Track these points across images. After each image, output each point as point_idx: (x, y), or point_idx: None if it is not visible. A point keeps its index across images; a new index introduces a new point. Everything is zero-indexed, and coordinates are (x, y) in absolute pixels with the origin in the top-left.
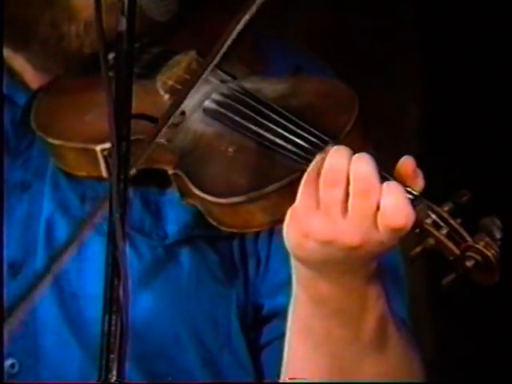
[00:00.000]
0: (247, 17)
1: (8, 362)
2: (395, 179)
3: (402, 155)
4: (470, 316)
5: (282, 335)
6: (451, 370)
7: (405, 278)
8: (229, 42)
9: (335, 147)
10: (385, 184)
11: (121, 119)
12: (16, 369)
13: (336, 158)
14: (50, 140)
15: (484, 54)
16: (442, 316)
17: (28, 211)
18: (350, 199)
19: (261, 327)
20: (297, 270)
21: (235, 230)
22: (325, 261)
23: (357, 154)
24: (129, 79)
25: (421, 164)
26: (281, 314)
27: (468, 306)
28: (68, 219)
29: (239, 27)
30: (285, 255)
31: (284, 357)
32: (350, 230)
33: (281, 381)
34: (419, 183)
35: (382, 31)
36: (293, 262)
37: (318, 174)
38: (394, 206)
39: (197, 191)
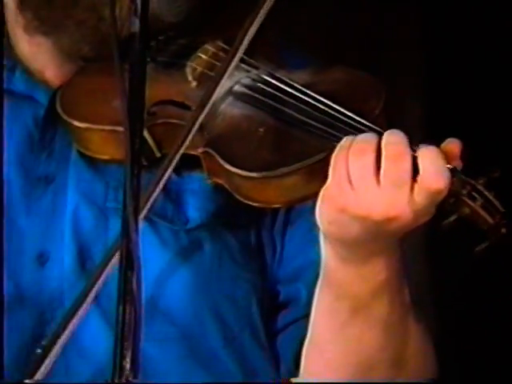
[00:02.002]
0: (268, 4)
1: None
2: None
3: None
4: (471, 305)
5: (297, 320)
6: (451, 360)
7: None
8: (253, 28)
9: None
10: (423, 148)
11: (135, 112)
12: None
13: (363, 135)
14: (76, 123)
15: (486, 52)
16: (443, 304)
17: (53, 203)
18: (383, 165)
19: (277, 313)
20: (328, 251)
21: (262, 205)
22: (358, 238)
23: (387, 131)
24: (142, 77)
25: None
26: (296, 300)
27: (469, 294)
28: (93, 209)
29: (262, 13)
30: (300, 243)
31: (307, 339)
32: (385, 201)
33: (302, 363)
34: (459, 161)
35: (383, 31)
36: (323, 246)
37: (347, 153)
38: (435, 168)
39: (228, 166)
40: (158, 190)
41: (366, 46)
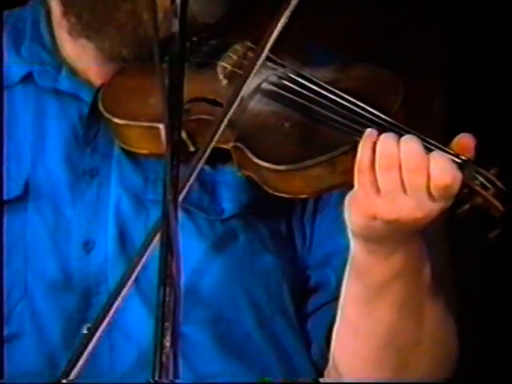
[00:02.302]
0: (292, 5)
1: (84, 326)
2: (451, 149)
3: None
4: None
5: (327, 304)
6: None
7: (436, 244)
8: (277, 31)
9: (383, 135)
10: (430, 155)
11: (173, 110)
12: None
13: (386, 144)
14: (116, 120)
15: (502, 50)
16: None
17: (98, 194)
18: (405, 177)
19: (308, 296)
20: (356, 247)
21: (290, 196)
22: (389, 236)
23: (403, 137)
24: (181, 75)
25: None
26: (326, 284)
27: (488, 277)
28: (134, 201)
29: (286, 14)
30: (328, 231)
31: (337, 323)
32: (412, 206)
33: (332, 345)
34: (472, 153)
35: (405, 29)
36: (352, 241)
37: (371, 161)
38: (440, 167)
39: (257, 160)
40: (191, 180)
41: (387, 44)
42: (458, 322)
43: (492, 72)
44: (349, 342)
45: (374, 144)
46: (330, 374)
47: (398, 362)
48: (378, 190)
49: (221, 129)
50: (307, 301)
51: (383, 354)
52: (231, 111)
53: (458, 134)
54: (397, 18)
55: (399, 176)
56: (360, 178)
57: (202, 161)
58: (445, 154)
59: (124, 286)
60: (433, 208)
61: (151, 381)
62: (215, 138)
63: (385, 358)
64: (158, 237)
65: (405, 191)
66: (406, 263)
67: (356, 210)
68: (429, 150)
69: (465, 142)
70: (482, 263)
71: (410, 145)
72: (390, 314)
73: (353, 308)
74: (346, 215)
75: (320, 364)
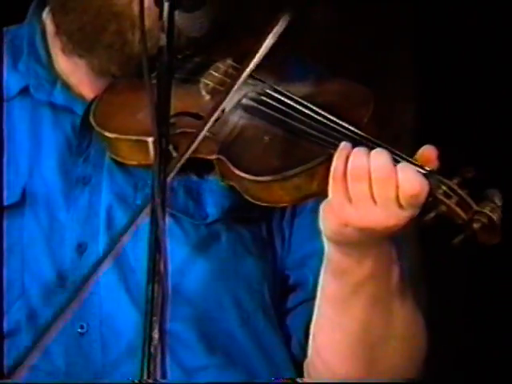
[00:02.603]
0: (276, 31)
1: (78, 324)
2: (416, 160)
3: (401, 150)
4: (458, 285)
5: (304, 302)
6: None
7: (404, 248)
8: (261, 53)
9: (355, 149)
10: (397, 167)
11: (161, 119)
12: (85, 329)
13: (357, 157)
14: (107, 134)
15: (475, 54)
16: (434, 285)
17: (90, 201)
18: (374, 188)
19: (287, 295)
20: (331, 251)
21: (270, 204)
22: (361, 241)
23: (373, 151)
24: (168, 86)
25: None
26: (304, 284)
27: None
28: (124, 207)
29: (269, 40)
30: (305, 234)
31: (313, 319)
32: (382, 215)
33: (310, 340)
34: (435, 164)
35: (378, 42)
36: (327, 245)
37: (343, 172)
38: (408, 178)
39: (237, 172)
40: (171, 176)
41: (365, 57)
42: (428, 321)
43: (461, 85)
44: (325, 337)
45: (348, 156)
46: (308, 367)
47: (370, 356)
48: (350, 199)
49: (199, 138)
50: (286, 299)
51: (356, 348)
52: (210, 123)
53: (426, 143)
54: (373, 34)
55: (369, 187)
56: (334, 187)
57: (180, 164)
58: (410, 165)
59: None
60: (402, 216)
61: (142, 381)
62: (192, 147)
63: (358, 353)
64: (140, 218)
65: (374, 201)
66: (378, 266)
67: (329, 217)
68: (397, 162)
69: (428, 153)
70: (452, 265)
71: (379, 158)
72: (362, 312)
73: (329, 306)
74: (321, 221)
75: (299, 357)
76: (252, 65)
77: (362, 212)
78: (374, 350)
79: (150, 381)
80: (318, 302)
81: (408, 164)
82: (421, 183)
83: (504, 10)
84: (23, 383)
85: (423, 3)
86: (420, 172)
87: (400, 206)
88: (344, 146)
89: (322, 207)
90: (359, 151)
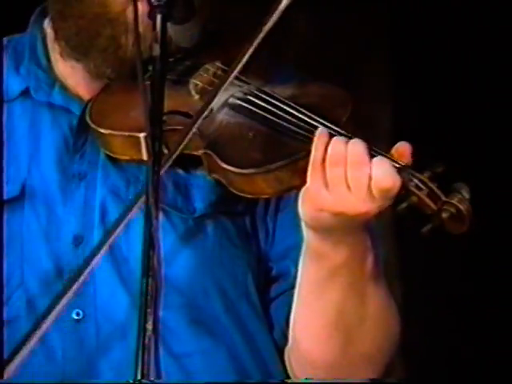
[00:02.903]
0: (261, 36)
1: (74, 312)
2: (392, 155)
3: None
4: (429, 274)
5: (286, 291)
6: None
7: (379, 240)
8: (248, 55)
9: (335, 137)
10: (373, 160)
11: (154, 119)
12: (80, 316)
13: (336, 144)
14: (102, 130)
15: (446, 59)
16: (406, 271)
17: (85, 195)
18: (348, 173)
19: (270, 285)
20: (309, 235)
21: (253, 196)
22: (335, 227)
23: (351, 140)
24: (161, 92)
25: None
26: (286, 274)
27: (427, 265)
28: (117, 201)
29: (255, 43)
30: (288, 227)
31: (293, 306)
32: (354, 201)
33: (291, 324)
34: (408, 159)
35: (357, 48)
36: (305, 230)
37: (322, 159)
38: (382, 171)
39: (224, 165)
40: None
41: (342, 64)
42: (401, 307)
43: (433, 88)
44: (303, 321)
45: (327, 145)
46: (288, 353)
47: (345, 338)
48: (326, 185)
49: (189, 135)
50: (270, 288)
51: (333, 330)
52: (199, 121)
53: (403, 140)
54: (352, 40)
55: (344, 172)
56: (312, 172)
57: (170, 161)
58: (385, 159)
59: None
60: (373, 205)
61: (137, 381)
62: (183, 144)
63: (334, 334)
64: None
65: (349, 187)
66: (353, 253)
67: (307, 202)
68: (373, 157)
69: (402, 149)
70: (424, 253)
71: (356, 145)
72: (338, 296)
73: (307, 290)
74: (299, 207)
75: (281, 342)
76: (237, 69)
77: (337, 197)
78: (349, 332)
79: (146, 381)
80: (296, 288)
81: (383, 158)
82: (393, 178)
83: (475, 14)
84: (22, 383)
85: (398, 12)
86: (394, 166)
87: (371, 196)
88: (322, 132)
89: (301, 194)
90: (338, 139)
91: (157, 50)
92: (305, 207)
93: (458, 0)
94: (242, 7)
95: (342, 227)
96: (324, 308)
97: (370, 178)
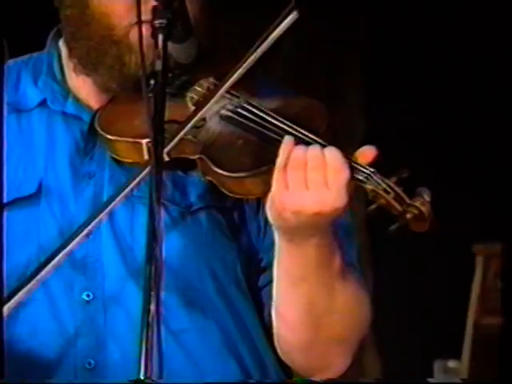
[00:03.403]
0: (251, 59)
1: (84, 293)
2: (356, 158)
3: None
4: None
5: (271, 282)
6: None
7: (356, 236)
8: (238, 73)
9: (297, 146)
10: (324, 149)
11: (156, 127)
12: (90, 297)
13: (297, 151)
14: (109, 136)
15: (412, 75)
16: (379, 262)
17: (94, 192)
18: (308, 175)
19: (260, 274)
20: (278, 235)
21: (242, 196)
22: (297, 227)
23: (310, 146)
24: (162, 101)
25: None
26: (272, 265)
27: (396, 256)
28: (123, 199)
29: (246, 66)
30: None
31: (273, 296)
32: (312, 199)
33: (273, 309)
34: (372, 160)
35: (335, 67)
36: (274, 230)
37: (285, 163)
38: (334, 156)
39: (216, 169)
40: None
41: (322, 78)
42: (373, 295)
43: (401, 102)
44: (281, 310)
45: (291, 151)
46: (274, 334)
47: (316, 325)
48: (287, 187)
49: (176, 139)
50: (259, 277)
51: (306, 318)
52: (189, 126)
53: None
54: (330, 60)
55: (304, 175)
56: (276, 176)
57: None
58: (339, 157)
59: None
60: (328, 204)
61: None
62: (175, 140)
63: (307, 322)
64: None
65: (307, 188)
66: (319, 253)
67: (271, 204)
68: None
69: (366, 151)
70: (394, 249)
71: (314, 150)
72: (309, 291)
73: (282, 285)
74: (267, 210)
75: (270, 324)
76: (226, 85)
77: (296, 197)
78: (320, 320)
79: (149, 381)
80: (274, 282)
81: (334, 148)
82: (345, 171)
83: (445, 28)
84: (24, 383)
85: (372, 32)
86: (365, 172)
87: (327, 187)
88: (287, 141)
89: (268, 198)
90: (299, 147)
91: (159, 66)
92: (270, 209)
93: (428, 18)
94: (233, 27)
95: (303, 227)
96: (297, 301)
97: (325, 169)
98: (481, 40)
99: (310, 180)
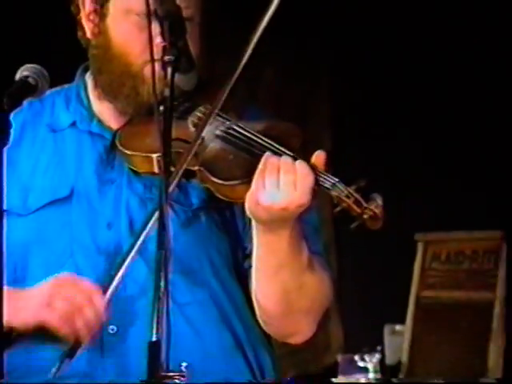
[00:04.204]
0: (228, 88)
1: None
2: (314, 163)
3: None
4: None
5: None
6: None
7: (321, 229)
8: (221, 100)
9: (273, 156)
10: (295, 162)
11: (165, 144)
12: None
13: (273, 158)
14: (126, 151)
15: (376, 96)
16: (341, 252)
17: (115, 195)
18: (280, 178)
19: (245, 259)
20: (255, 227)
21: (233, 200)
22: (269, 219)
23: (282, 157)
24: (170, 122)
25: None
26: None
27: (356, 245)
28: (137, 199)
29: (225, 94)
30: None
31: (253, 275)
32: (281, 198)
33: (253, 288)
34: (323, 162)
35: (306, 90)
36: (253, 222)
37: (263, 170)
38: (303, 166)
39: (212, 178)
40: (173, 185)
41: (297, 100)
42: (337, 276)
43: (365, 120)
44: (260, 288)
45: (268, 159)
46: (256, 306)
47: (289, 301)
48: (264, 186)
49: (188, 158)
50: (245, 261)
51: (280, 295)
52: (195, 147)
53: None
54: (303, 83)
55: (277, 177)
56: (256, 178)
57: (177, 178)
58: (305, 166)
59: (129, 253)
60: (294, 202)
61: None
62: (185, 163)
63: (281, 298)
64: (153, 219)
65: (278, 188)
66: (288, 243)
67: (249, 199)
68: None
69: (319, 155)
70: (355, 240)
71: (286, 159)
72: (281, 274)
73: (260, 269)
74: (246, 206)
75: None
76: (215, 109)
77: (269, 195)
78: (291, 297)
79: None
80: (253, 264)
81: (303, 162)
82: (310, 170)
83: (404, 49)
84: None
85: (339, 58)
86: (330, 181)
87: (295, 188)
88: (267, 155)
89: (247, 196)
90: (274, 155)
91: (167, 92)
92: (247, 203)
93: (388, 41)
94: (226, 61)
95: (273, 220)
96: (272, 283)
97: (295, 174)
98: (445, 55)
99: (281, 182)
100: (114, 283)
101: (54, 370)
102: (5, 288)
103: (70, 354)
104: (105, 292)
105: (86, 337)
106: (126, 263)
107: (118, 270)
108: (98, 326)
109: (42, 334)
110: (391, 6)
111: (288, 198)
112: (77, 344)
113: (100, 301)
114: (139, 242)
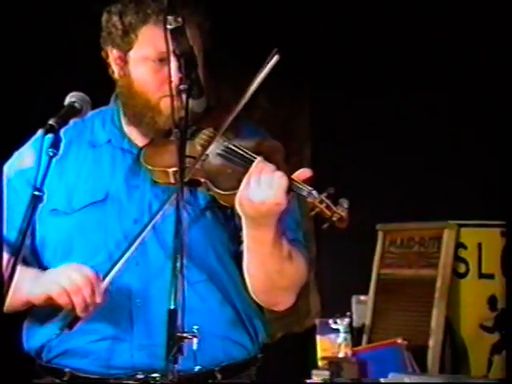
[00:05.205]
0: (232, 117)
1: (135, 261)
2: (297, 176)
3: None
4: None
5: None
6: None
7: (302, 221)
8: (224, 127)
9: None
10: (275, 171)
11: (181, 159)
12: (139, 264)
13: (260, 164)
14: (148, 166)
15: (356, 110)
16: (319, 238)
17: (140, 197)
18: (261, 178)
19: (240, 245)
20: (244, 223)
21: (231, 206)
22: (251, 215)
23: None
24: (184, 144)
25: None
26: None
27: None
28: (157, 200)
29: (229, 119)
30: None
31: (244, 260)
32: (260, 195)
33: (245, 269)
34: (307, 177)
35: (289, 110)
36: (242, 219)
37: (251, 174)
38: (280, 173)
39: (214, 189)
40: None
41: (280, 120)
42: (316, 260)
43: (345, 133)
44: (248, 269)
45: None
46: (248, 283)
47: (272, 281)
48: (249, 185)
49: (197, 165)
50: (240, 246)
51: (264, 277)
52: (200, 161)
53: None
54: (287, 105)
55: (259, 178)
56: (245, 179)
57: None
58: (281, 174)
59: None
60: (271, 201)
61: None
62: (190, 174)
63: (266, 278)
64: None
65: (259, 186)
66: (271, 239)
67: (238, 197)
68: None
69: (302, 172)
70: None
71: (268, 165)
72: (266, 261)
73: (249, 255)
74: (235, 202)
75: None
76: (219, 135)
77: (251, 192)
78: (273, 276)
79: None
80: (244, 253)
81: (281, 174)
82: (284, 175)
83: (381, 71)
84: None
85: (317, 82)
86: (306, 189)
87: (271, 188)
88: (258, 161)
89: (237, 194)
90: (261, 163)
91: (182, 113)
92: (236, 201)
93: (363, 67)
94: (228, 91)
95: (255, 214)
96: (258, 268)
97: (273, 178)
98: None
99: (262, 181)
100: (112, 273)
101: (54, 335)
102: (31, 269)
103: (70, 325)
104: (104, 279)
105: (82, 312)
106: (123, 260)
107: (116, 263)
108: (93, 304)
109: (51, 306)
110: (367, 32)
111: (265, 194)
112: (75, 318)
113: (97, 285)
114: (136, 243)
